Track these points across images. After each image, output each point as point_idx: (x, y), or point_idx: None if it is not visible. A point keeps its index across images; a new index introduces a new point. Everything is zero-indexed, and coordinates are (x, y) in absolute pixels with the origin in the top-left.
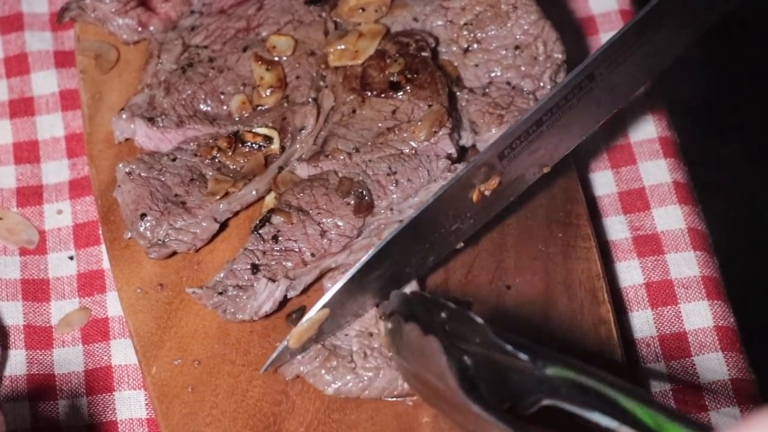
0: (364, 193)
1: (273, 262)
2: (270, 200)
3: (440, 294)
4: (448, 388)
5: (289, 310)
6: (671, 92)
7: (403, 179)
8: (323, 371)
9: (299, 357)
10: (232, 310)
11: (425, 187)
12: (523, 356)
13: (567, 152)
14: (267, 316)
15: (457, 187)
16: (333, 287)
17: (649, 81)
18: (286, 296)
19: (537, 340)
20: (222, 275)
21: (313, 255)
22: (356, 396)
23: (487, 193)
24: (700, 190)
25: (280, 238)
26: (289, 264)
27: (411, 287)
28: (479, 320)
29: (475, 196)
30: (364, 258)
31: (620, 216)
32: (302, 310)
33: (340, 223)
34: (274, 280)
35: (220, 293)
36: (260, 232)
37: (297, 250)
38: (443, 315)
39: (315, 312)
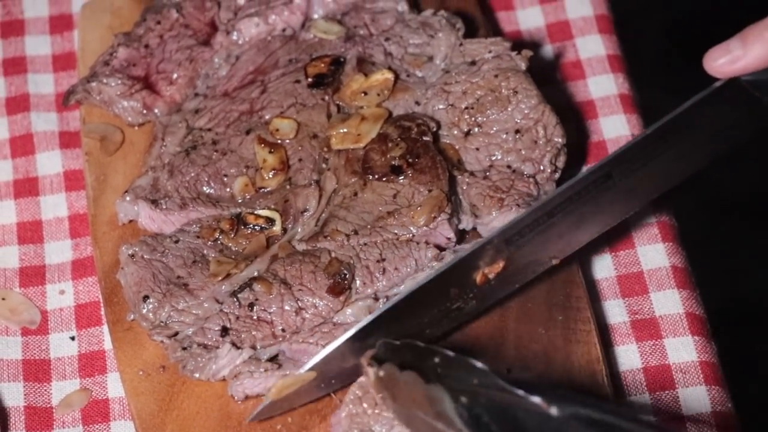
0: (346, 274)
1: (243, 329)
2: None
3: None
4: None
5: None
6: None
7: (390, 267)
8: None
9: None
10: (191, 368)
11: (411, 277)
12: (535, 399)
13: (579, 247)
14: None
15: (461, 266)
16: (323, 350)
17: (671, 187)
18: None
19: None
20: (192, 331)
21: (283, 330)
22: None
23: (491, 276)
24: (698, 274)
25: (255, 307)
26: (259, 334)
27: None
28: (480, 365)
29: (478, 278)
30: (358, 324)
31: (618, 300)
32: None
33: (318, 303)
34: (238, 347)
35: (185, 348)
36: (239, 296)
37: (269, 321)
38: (436, 360)
39: (303, 371)
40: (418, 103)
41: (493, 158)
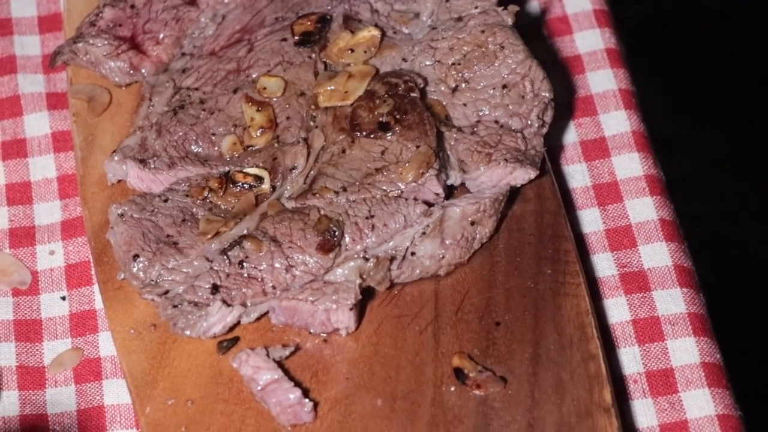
0: (335, 231)
1: (234, 287)
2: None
3: None
4: None
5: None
6: (656, 126)
7: (379, 224)
8: None
9: None
10: (182, 325)
11: (401, 233)
12: None
13: None
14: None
15: None
16: None
17: None
18: (239, 321)
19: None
20: (182, 288)
21: (274, 287)
22: None
23: None
24: (685, 223)
25: (245, 265)
26: (250, 291)
27: None
28: None
29: None
30: None
31: (607, 253)
32: (235, 341)
33: (308, 261)
34: (229, 305)
35: (175, 306)
36: (229, 254)
37: (260, 279)
38: None
39: None
40: (405, 60)
41: (481, 114)
